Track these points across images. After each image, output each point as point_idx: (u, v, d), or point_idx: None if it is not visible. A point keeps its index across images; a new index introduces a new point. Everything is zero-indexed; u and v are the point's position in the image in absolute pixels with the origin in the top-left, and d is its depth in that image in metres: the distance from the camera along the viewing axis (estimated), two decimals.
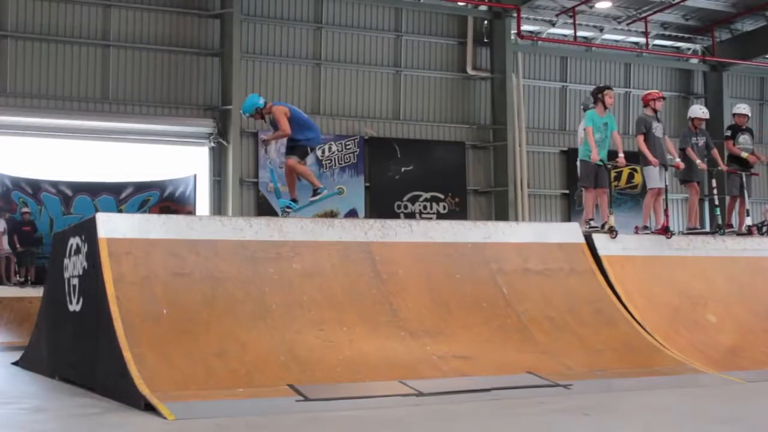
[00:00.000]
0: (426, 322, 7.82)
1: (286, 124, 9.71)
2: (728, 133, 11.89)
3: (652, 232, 10.25)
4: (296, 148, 9.87)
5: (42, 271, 16.29)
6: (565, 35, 23.68)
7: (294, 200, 9.99)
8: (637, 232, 10.45)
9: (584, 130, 10.36)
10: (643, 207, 10.98)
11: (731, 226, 11.52)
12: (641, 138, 10.50)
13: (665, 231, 10.04)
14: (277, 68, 20.82)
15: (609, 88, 10.59)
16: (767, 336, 9.06)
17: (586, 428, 5.59)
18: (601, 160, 10.23)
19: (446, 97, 22.63)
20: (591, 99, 10.86)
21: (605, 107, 10.39)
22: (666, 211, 10.40)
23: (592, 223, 10.30)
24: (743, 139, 11.65)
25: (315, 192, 10.05)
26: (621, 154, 10.36)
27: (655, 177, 10.52)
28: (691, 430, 5.61)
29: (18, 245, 17.85)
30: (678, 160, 10.89)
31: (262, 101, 9.96)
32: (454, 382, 6.92)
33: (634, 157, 11.19)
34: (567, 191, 23.47)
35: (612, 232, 9.66)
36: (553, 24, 23.38)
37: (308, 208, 10.27)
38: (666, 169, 10.56)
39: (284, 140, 10.00)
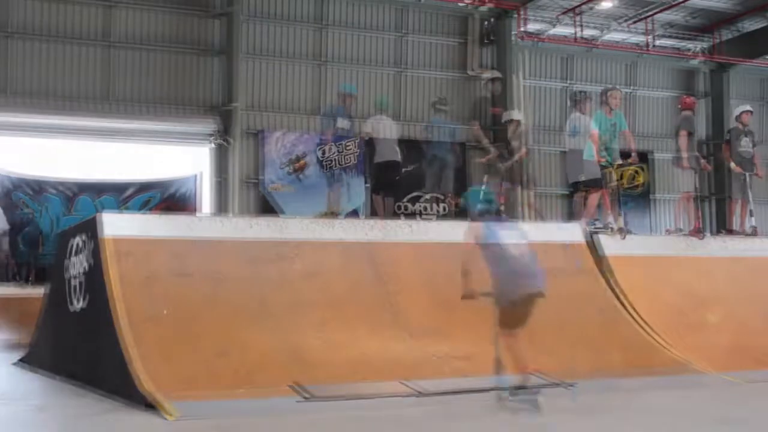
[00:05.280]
0: (427, 322, 7.82)
1: None
2: (728, 137, 11.78)
3: (687, 234, 10.21)
4: None
5: (42, 271, 16.29)
6: (567, 35, 23.64)
7: None
8: (668, 234, 10.40)
9: (590, 132, 10.28)
10: (680, 209, 10.73)
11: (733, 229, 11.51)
12: (685, 134, 10.42)
13: (698, 232, 10.02)
14: (279, 68, 20.77)
15: (614, 88, 10.54)
16: None
17: (588, 427, 5.59)
18: (607, 162, 10.17)
19: (448, 97, 22.55)
20: (579, 94, 10.86)
21: (611, 108, 10.34)
22: (698, 212, 10.36)
23: (597, 224, 10.27)
24: (745, 142, 11.52)
25: None
26: (634, 154, 10.32)
27: (688, 179, 10.43)
28: (692, 430, 5.61)
29: (21, 245, 17.85)
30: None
31: None
32: (455, 383, 6.91)
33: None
34: (570, 191, 23.39)
35: (622, 232, 9.64)
36: (555, 24, 23.33)
37: (309, 208, 10.11)
38: (696, 172, 10.53)
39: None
